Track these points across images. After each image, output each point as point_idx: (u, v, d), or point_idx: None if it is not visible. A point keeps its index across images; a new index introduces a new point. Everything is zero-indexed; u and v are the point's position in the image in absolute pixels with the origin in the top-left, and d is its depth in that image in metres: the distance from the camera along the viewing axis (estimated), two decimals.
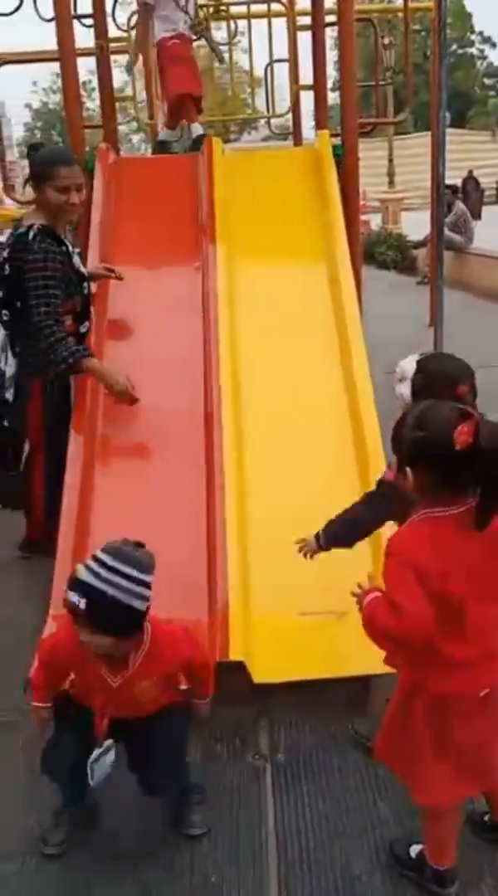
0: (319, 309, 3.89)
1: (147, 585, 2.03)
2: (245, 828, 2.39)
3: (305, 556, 2.61)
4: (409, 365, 2.29)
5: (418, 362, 2.29)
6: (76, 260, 3.56)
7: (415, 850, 2.18)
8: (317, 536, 2.59)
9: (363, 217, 15.35)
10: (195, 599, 3.04)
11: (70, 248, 3.51)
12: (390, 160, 23.63)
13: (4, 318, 3.44)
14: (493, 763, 2.06)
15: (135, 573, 2.00)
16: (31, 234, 3.35)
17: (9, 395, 3.48)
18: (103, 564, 1.99)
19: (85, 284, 3.61)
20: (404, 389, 2.26)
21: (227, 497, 3.16)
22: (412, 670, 1.98)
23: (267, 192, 4.47)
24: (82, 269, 3.60)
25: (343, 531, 2.54)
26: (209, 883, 2.21)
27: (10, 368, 3.47)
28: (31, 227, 3.37)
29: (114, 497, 3.37)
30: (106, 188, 4.37)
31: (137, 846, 2.34)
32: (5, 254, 3.40)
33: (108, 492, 3.38)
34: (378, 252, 14.59)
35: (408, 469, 1.86)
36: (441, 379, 2.19)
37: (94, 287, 3.75)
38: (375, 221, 17.80)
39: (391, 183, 23.26)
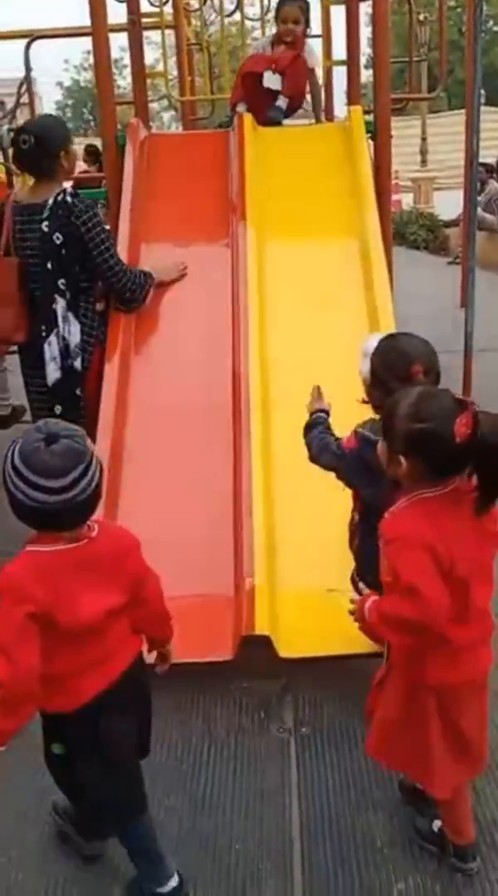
0: (349, 285, 3.88)
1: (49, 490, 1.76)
2: (269, 797, 2.43)
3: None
4: (372, 342, 2.32)
5: (380, 340, 2.31)
6: None
7: (437, 824, 2.20)
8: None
9: (395, 196, 15.27)
10: (222, 574, 3.07)
11: None
12: (423, 138, 23.32)
13: (61, 286, 3.47)
14: (482, 746, 2.07)
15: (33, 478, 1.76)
16: (70, 198, 3.42)
17: (77, 363, 3.53)
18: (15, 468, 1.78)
19: None
20: (364, 366, 2.31)
21: (253, 474, 3.18)
22: (412, 665, 1.94)
23: (298, 168, 4.44)
24: None
25: (314, 451, 2.59)
26: (233, 850, 2.25)
27: (74, 337, 3.51)
28: (62, 192, 3.44)
29: (141, 475, 3.40)
30: (137, 164, 4.37)
31: (164, 816, 2.38)
32: (46, 226, 3.43)
33: (136, 469, 3.41)
34: (409, 232, 14.44)
35: (401, 457, 1.84)
36: (395, 356, 2.20)
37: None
38: (406, 201, 17.62)
39: (424, 162, 22.97)
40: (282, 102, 4.79)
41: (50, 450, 1.77)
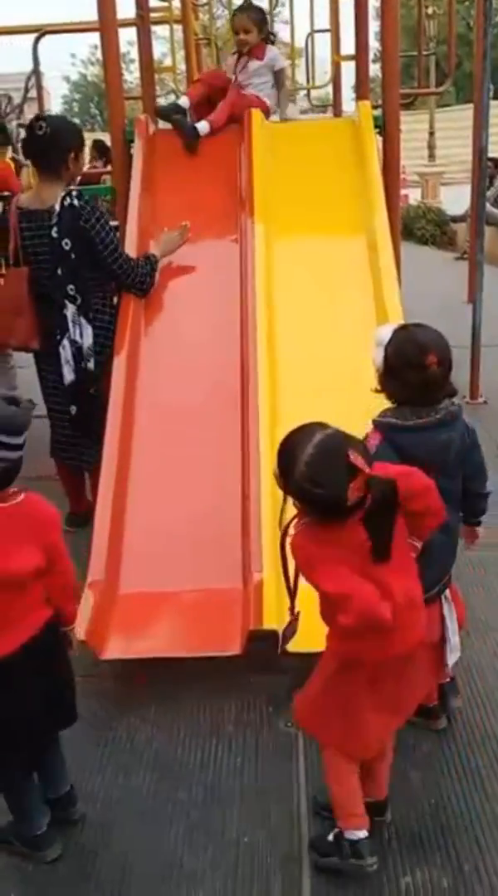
0: (357, 280, 3.87)
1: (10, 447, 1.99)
2: (276, 792, 2.44)
3: None
4: (386, 332, 2.32)
5: (394, 331, 2.31)
6: None
7: (331, 835, 2.17)
8: None
9: (402, 191, 15.22)
10: (230, 568, 3.08)
11: None
12: (431, 133, 23.23)
13: (71, 292, 3.49)
14: (410, 703, 2.19)
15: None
16: (76, 201, 3.43)
17: (90, 364, 3.57)
18: None
19: None
20: (378, 355, 2.30)
21: (262, 467, 3.18)
22: (345, 645, 2.03)
23: (306, 163, 4.44)
24: None
25: None
26: (241, 843, 2.26)
27: (86, 339, 3.54)
28: (68, 196, 3.43)
29: (150, 470, 3.41)
30: (145, 159, 4.37)
31: (173, 809, 2.39)
32: (55, 232, 3.44)
33: (145, 464, 3.42)
34: (417, 227, 14.40)
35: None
36: (411, 347, 2.22)
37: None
38: (414, 196, 17.56)
39: (431, 156, 22.88)
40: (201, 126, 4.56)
41: (13, 408, 1.97)
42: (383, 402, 2.35)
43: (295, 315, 3.76)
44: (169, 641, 2.99)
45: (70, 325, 3.51)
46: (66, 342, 3.53)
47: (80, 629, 2.74)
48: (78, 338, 3.52)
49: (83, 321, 3.52)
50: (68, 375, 3.57)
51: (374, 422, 2.31)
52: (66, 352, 3.54)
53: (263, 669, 2.89)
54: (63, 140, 3.50)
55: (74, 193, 3.49)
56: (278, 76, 4.86)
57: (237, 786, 2.47)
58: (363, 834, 2.11)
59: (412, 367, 2.19)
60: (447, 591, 2.43)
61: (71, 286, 3.48)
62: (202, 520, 3.26)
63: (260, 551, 2.96)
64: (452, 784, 2.40)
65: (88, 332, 3.53)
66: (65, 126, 3.60)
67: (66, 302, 3.50)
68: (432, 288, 8.81)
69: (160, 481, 3.37)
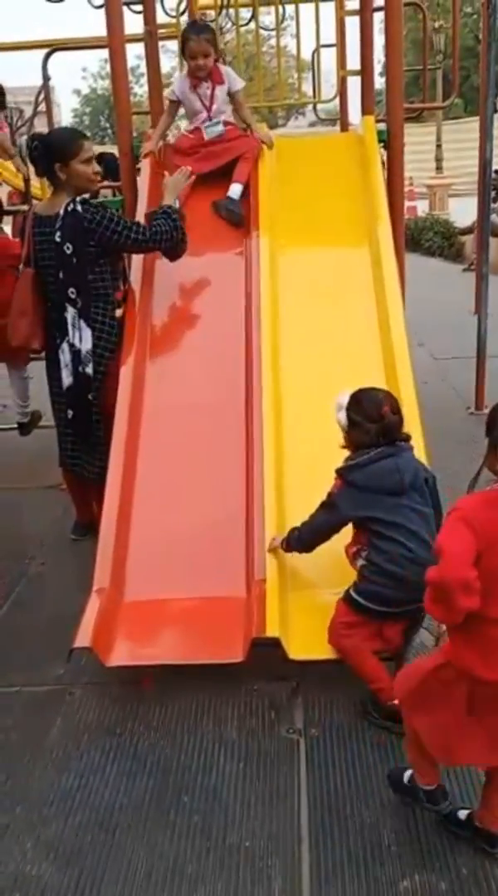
0: (360, 293, 3.92)
1: None
2: (278, 797, 2.46)
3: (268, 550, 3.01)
4: (343, 398, 2.79)
5: (352, 395, 2.77)
6: None
7: (407, 775, 2.33)
8: (285, 540, 2.92)
9: (410, 203, 15.29)
10: (234, 576, 3.12)
11: None
12: (438, 145, 23.34)
13: (72, 295, 3.56)
14: None
15: None
16: (80, 207, 3.52)
17: (89, 369, 3.62)
18: None
19: None
20: (342, 416, 2.77)
21: (265, 475, 3.22)
22: (460, 654, 1.98)
23: (311, 177, 4.49)
24: None
25: (307, 537, 2.86)
26: (243, 847, 2.28)
27: (85, 343, 3.60)
28: (73, 201, 3.54)
29: (155, 476, 3.45)
30: (152, 173, 4.43)
31: (176, 814, 2.42)
32: (58, 237, 3.52)
33: (149, 471, 3.46)
34: (425, 239, 14.45)
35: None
36: (368, 402, 2.72)
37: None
38: (421, 207, 17.62)
39: (439, 168, 22.98)
40: (235, 192, 4.33)
41: None
42: None
43: (298, 327, 3.81)
44: (173, 649, 3.03)
45: (69, 328, 3.58)
46: (65, 346, 3.61)
47: (86, 636, 2.80)
48: (76, 342, 3.58)
49: (83, 325, 3.57)
50: (66, 379, 3.63)
51: (336, 471, 2.75)
52: (64, 355, 3.62)
53: (266, 676, 2.92)
54: (46, 154, 3.60)
55: (79, 200, 3.56)
56: (235, 98, 4.52)
57: (239, 791, 2.49)
58: (434, 787, 2.26)
59: (371, 418, 2.68)
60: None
61: (72, 289, 3.55)
62: (206, 528, 3.30)
63: (263, 560, 2.99)
64: (450, 789, 2.41)
65: (87, 335, 3.58)
66: (51, 140, 3.68)
67: (67, 305, 3.57)
68: (440, 299, 8.85)
69: (165, 490, 3.41)
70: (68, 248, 3.51)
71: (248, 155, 4.39)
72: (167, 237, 3.70)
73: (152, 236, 3.66)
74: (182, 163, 4.22)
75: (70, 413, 3.68)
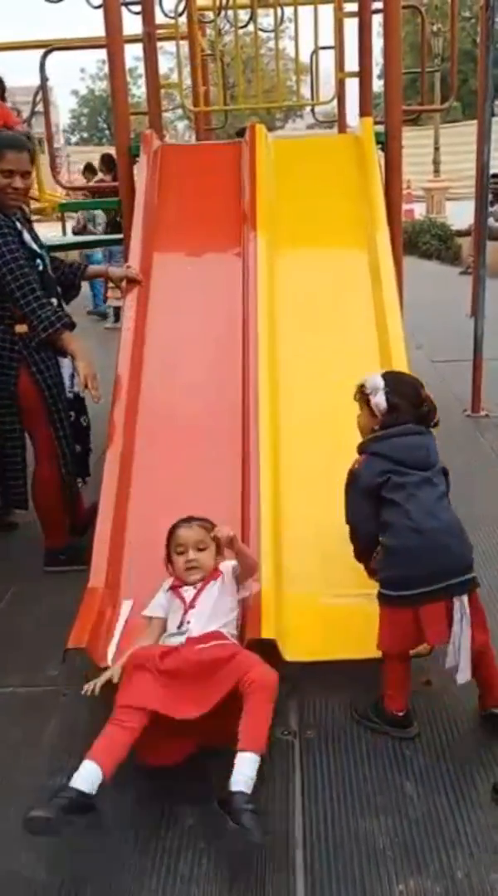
0: (358, 296, 3.92)
1: None
2: (272, 800, 2.44)
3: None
4: (377, 379, 2.72)
5: (385, 377, 2.74)
6: (27, 237, 3.62)
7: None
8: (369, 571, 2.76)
9: (407, 206, 15.31)
10: None
11: (19, 226, 3.57)
12: (436, 148, 23.39)
13: None
14: None
15: None
16: None
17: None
18: None
19: (38, 261, 3.64)
20: (380, 399, 2.67)
21: (261, 478, 3.21)
22: None
23: (309, 179, 4.50)
24: (34, 246, 3.65)
25: (352, 531, 2.74)
26: (237, 850, 2.26)
27: None
28: None
29: (150, 481, 3.44)
30: (150, 174, 4.43)
31: (168, 817, 2.41)
32: None
33: (145, 475, 3.45)
34: (422, 241, 14.48)
35: None
36: (408, 387, 2.72)
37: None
38: (419, 210, 17.64)
39: (437, 171, 23.03)
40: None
41: None
42: None
43: (296, 330, 3.80)
44: None
45: None
46: None
47: (80, 637, 2.78)
48: None
49: None
50: None
51: (358, 448, 2.71)
52: None
53: None
54: None
55: None
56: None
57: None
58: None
59: (413, 402, 2.67)
60: (466, 603, 2.49)
61: None
62: None
63: (259, 560, 2.98)
64: (445, 795, 2.41)
65: None
66: None
67: None
68: (437, 302, 8.86)
69: (161, 491, 3.40)
70: None
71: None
72: (35, 318, 3.48)
73: (31, 303, 3.46)
74: None
75: None
